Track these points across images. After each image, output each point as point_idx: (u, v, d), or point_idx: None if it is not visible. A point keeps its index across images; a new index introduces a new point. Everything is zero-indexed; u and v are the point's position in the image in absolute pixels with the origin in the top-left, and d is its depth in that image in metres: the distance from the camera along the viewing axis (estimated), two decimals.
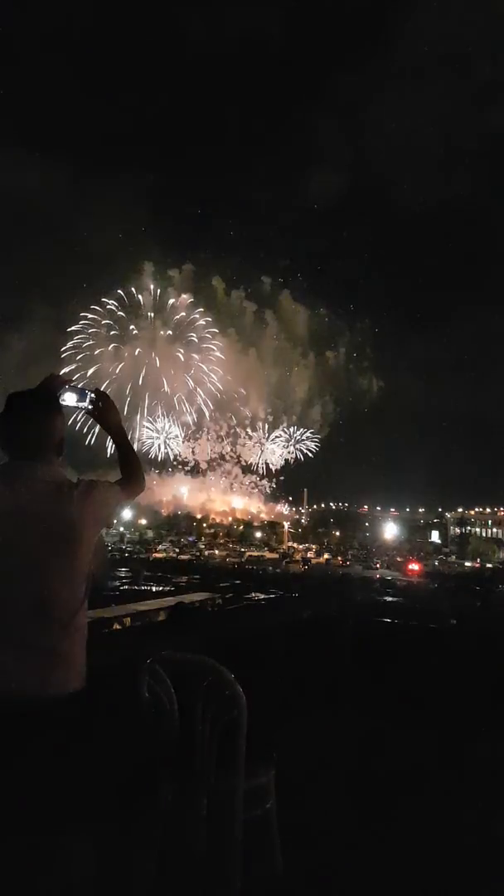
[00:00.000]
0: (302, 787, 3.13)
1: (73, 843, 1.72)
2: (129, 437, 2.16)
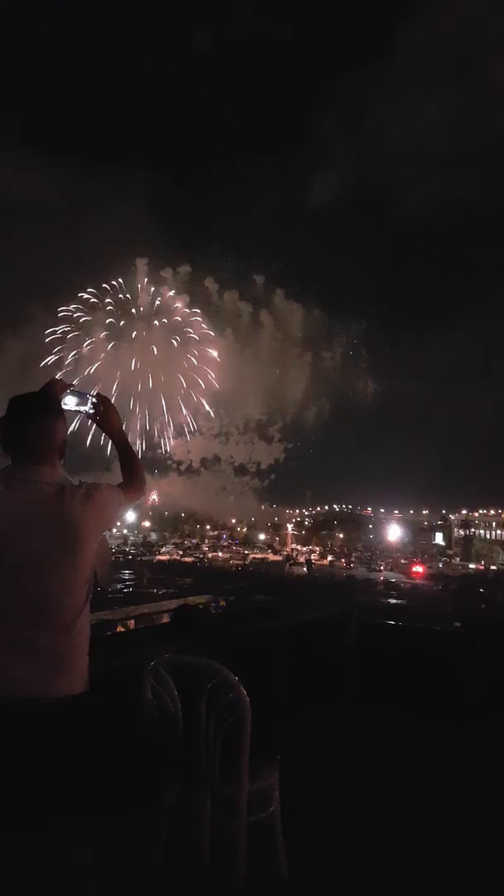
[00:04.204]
0: (306, 789, 3.12)
1: (76, 845, 1.72)
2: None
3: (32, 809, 1.65)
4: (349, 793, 3.50)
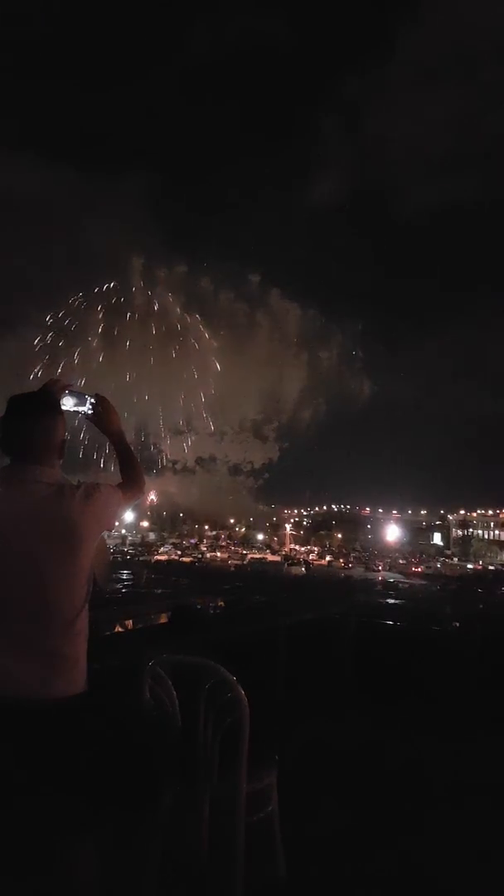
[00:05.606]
0: (304, 789, 3.12)
1: (75, 846, 1.73)
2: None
3: (32, 809, 1.65)
4: (348, 792, 3.50)
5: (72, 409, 2.03)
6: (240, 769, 2.32)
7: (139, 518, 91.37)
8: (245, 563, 76.77)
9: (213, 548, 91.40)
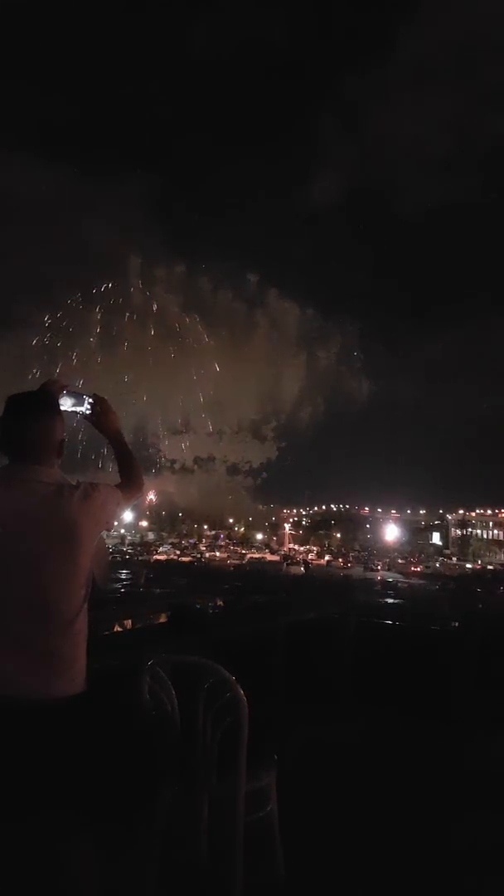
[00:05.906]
0: (304, 789, 3.12)
1: (74, 846, 1.72)
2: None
3: (30, 810, 1.65)
4: (347, 792, 3.50)
5: (70, 409, 2.03)
6: (239, 769, 2.32)
7: (138, 518, 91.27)
8: (244, 562, 76.61)
9: (212, 547, 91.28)
